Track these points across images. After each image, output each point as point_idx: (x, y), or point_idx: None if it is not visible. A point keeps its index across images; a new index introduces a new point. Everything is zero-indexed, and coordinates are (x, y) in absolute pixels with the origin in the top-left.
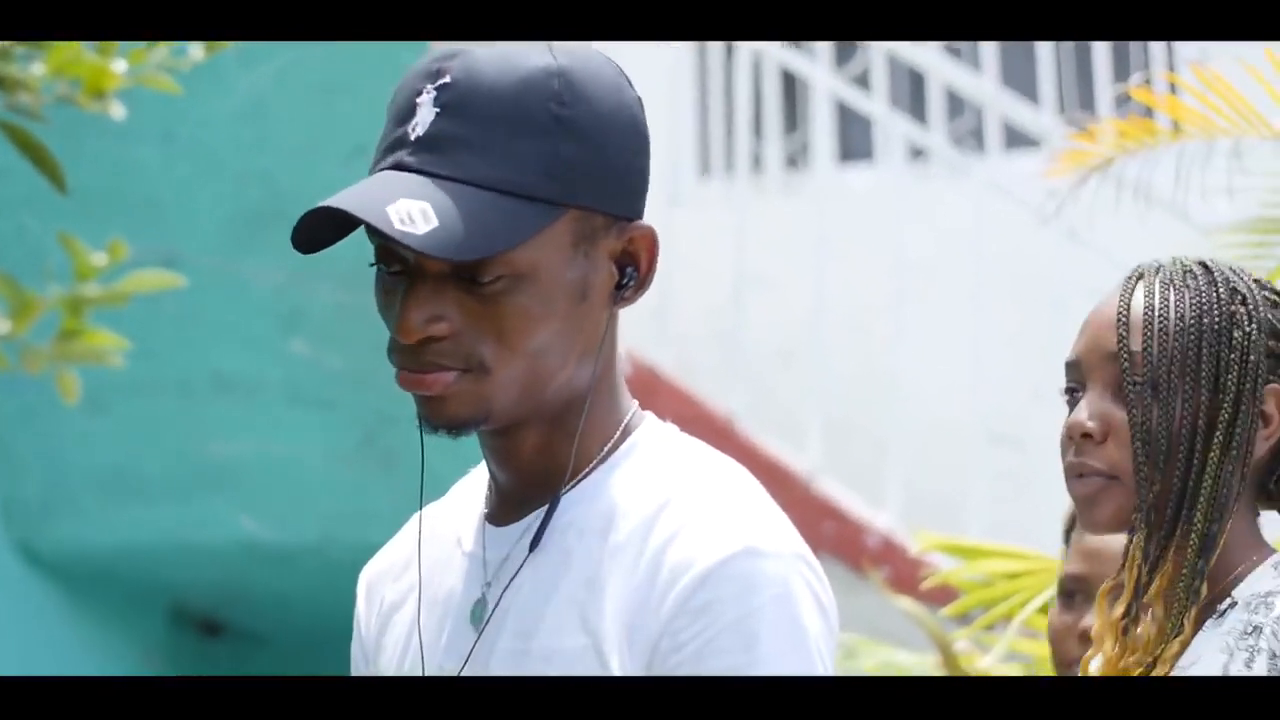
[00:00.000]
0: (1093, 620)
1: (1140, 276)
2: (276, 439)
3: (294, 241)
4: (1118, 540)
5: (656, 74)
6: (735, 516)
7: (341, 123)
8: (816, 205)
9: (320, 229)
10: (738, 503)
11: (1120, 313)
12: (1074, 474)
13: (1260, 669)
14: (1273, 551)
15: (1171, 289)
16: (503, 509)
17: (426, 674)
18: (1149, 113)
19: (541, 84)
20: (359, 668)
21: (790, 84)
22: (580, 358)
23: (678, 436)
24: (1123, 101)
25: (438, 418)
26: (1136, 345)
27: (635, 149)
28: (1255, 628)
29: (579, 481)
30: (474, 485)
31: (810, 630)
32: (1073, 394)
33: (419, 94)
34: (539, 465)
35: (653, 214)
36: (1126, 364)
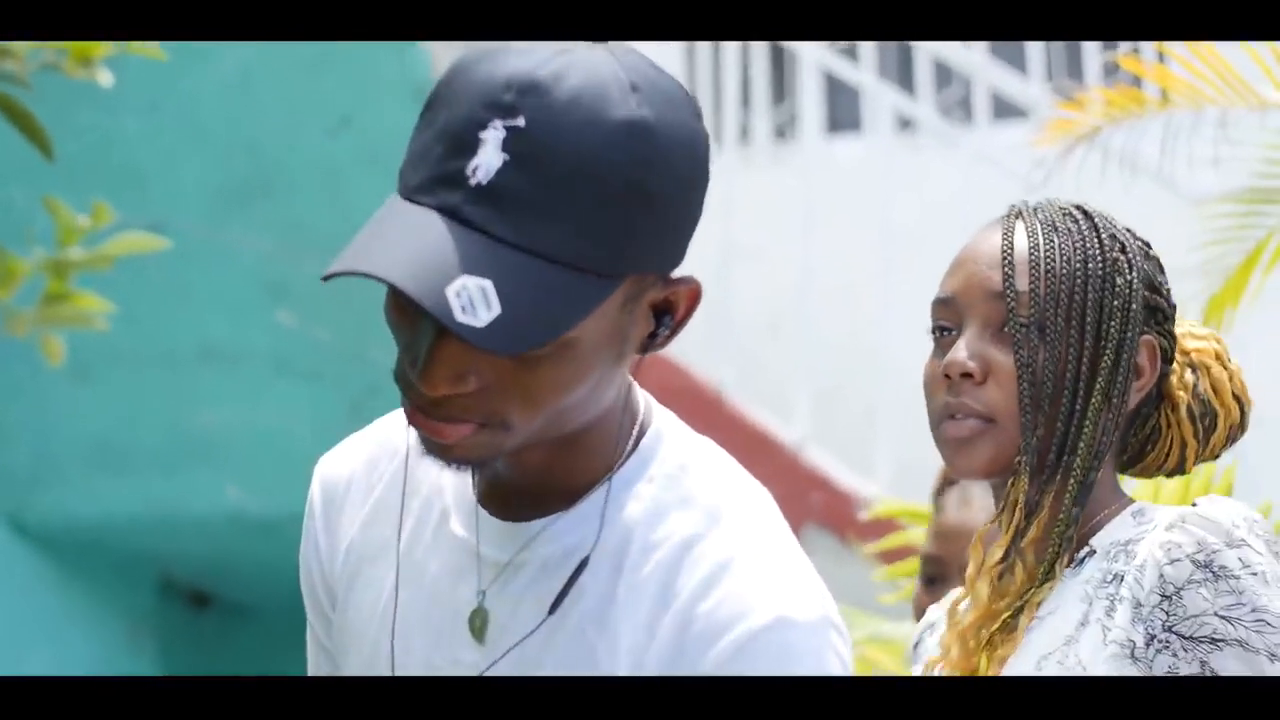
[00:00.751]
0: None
1: (1019, 215)
2: (263, 409)
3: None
4: (975, 522)
5: (643, 45)
6: (770, 574)
7: (328, 94)
8: (804, 176)
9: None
10: (769, 554)
11: (1005, 251)
12: (948, 415)
13: (1122, 618)
14: (1130, 501)
15: (1055, 231)
16: (500, 499)
17: (413, 665)
18: (1137, 82)
19: (624, 146)
20: (313, 583)
21: (778, 55)
22: (601, 397)
23: (689, 443)
24: (1111, 70)
25: (443, 457)
26: (1023, 285)
27: (698, 199)
28: (1116, 575)
29: (589, 494)
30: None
31: None
32: (943, 333)
33: (483, 126)
34: (545, 476)
35: None
36: (1013, 303)
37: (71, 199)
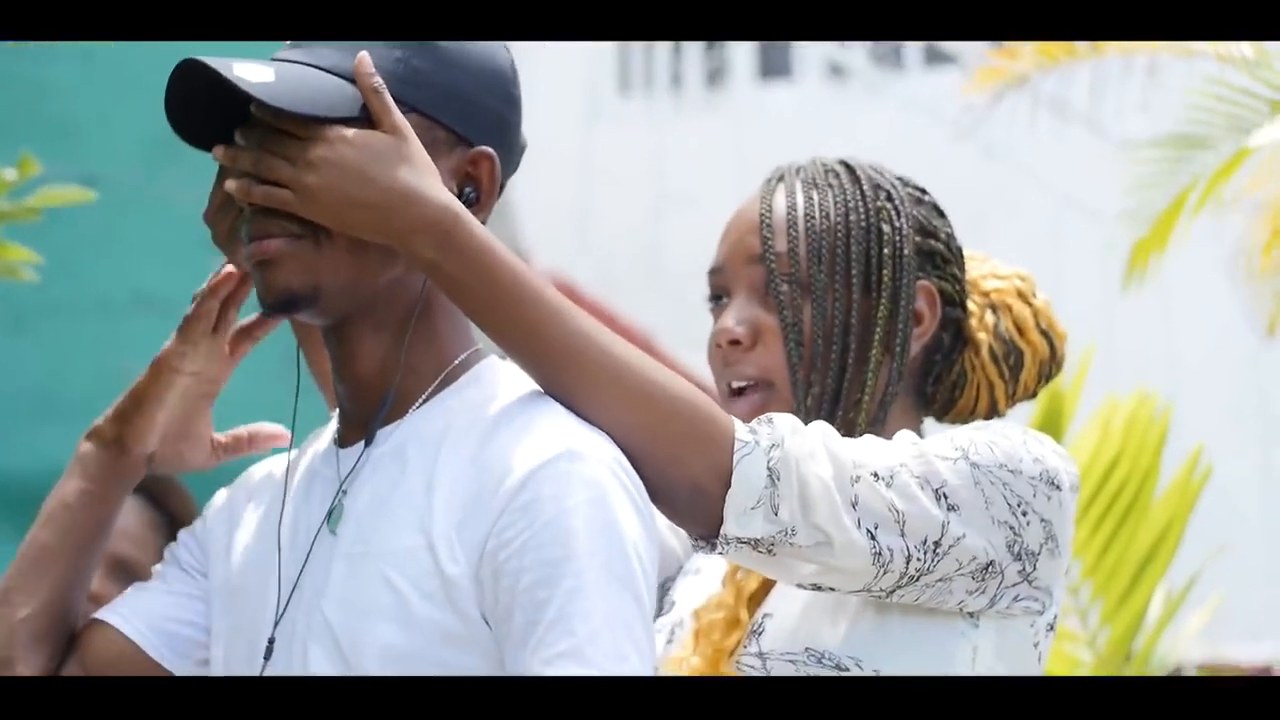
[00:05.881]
0: None
1: (781, 179)
2: None
3: (176, 128)
4: None
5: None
6: (558, 426)
7: (262, 41)
8: (736, 123)
9: (195, 114)
10: (563, 416)
11: (763, 214)
12: (729, 392)
13: None
14: None
15: (815, 189)
16: (349, 432)
17: (280, 584)
18: None
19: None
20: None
21: None
22: (411, 264)
23: (517, 374)
24: None
25: (270, 288)
26: (781, 246)
27: (491, 89)
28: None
29: (420, 405)
30: (329, 425)
31: (627, 533)
32: (718, 302)
33: None
34: (378, 380)
35: (573, 131)
36: (773, 264)
37: (2, 150)
